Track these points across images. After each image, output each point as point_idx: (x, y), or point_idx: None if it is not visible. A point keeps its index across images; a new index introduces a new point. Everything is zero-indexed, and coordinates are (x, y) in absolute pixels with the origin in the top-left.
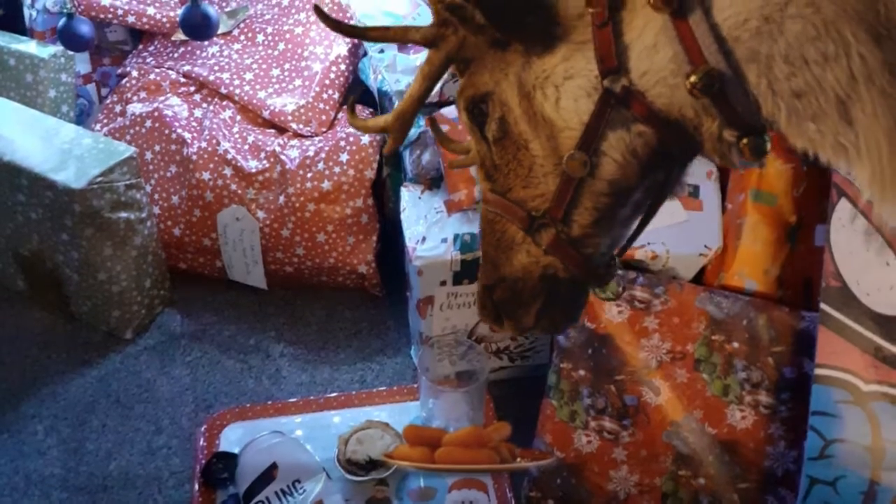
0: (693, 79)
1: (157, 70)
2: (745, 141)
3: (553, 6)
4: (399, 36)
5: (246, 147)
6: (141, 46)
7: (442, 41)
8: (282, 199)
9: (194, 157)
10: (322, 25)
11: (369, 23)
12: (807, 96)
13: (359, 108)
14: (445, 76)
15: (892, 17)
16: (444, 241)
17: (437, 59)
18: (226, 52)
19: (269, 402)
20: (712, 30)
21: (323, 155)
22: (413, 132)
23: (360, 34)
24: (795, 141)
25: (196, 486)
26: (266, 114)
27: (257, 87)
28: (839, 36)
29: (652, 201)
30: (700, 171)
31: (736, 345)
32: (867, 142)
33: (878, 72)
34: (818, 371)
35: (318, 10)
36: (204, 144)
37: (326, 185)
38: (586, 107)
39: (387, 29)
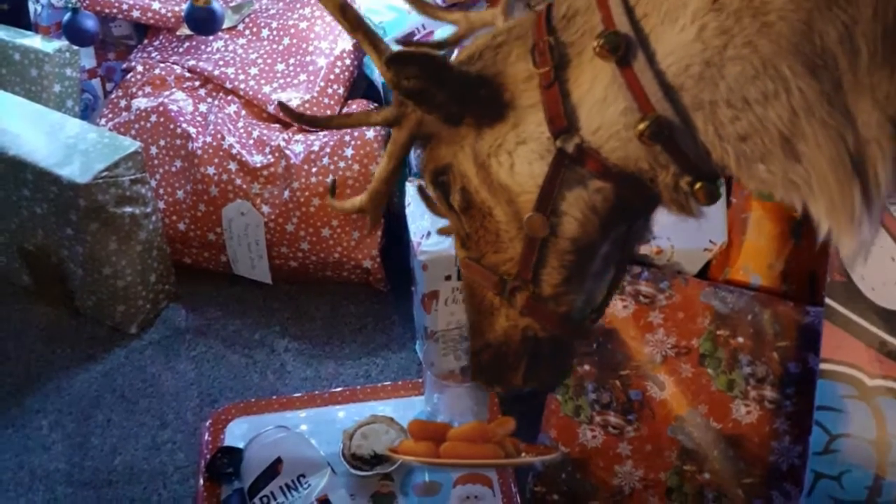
0: (642, 126)
1: (161, 65)
2: (698, 186)
3: (500, 74)
4: (361, 120)
5: (251, 142)
6: (146, 41)
7: (404, 119)
8: (287, 193)
9: (199, 152)
10: (327, 20)
11: (374, 17)
12: (752, 138)
13: (363, 102)
14: None
15: (827, 47)
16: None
17: (401, 137)
18: (231, 47)
19: (274, 397)
20: (657, 77)
21: (328, 150)
22: None
23: (322, 124)
24: (748, 183)
25: (201, 481)
26: (271, 108)
27: (262, 81)
28: (777, 73)
29: (622, 253)
30: None
31: (741, 339)
32: (816, 175)
33: (817, 103)
34: (823, 366)
35: (282, 106)
36: (209, 139)
37: (331, 179)
38: (540, 169)
39: (348, 116)
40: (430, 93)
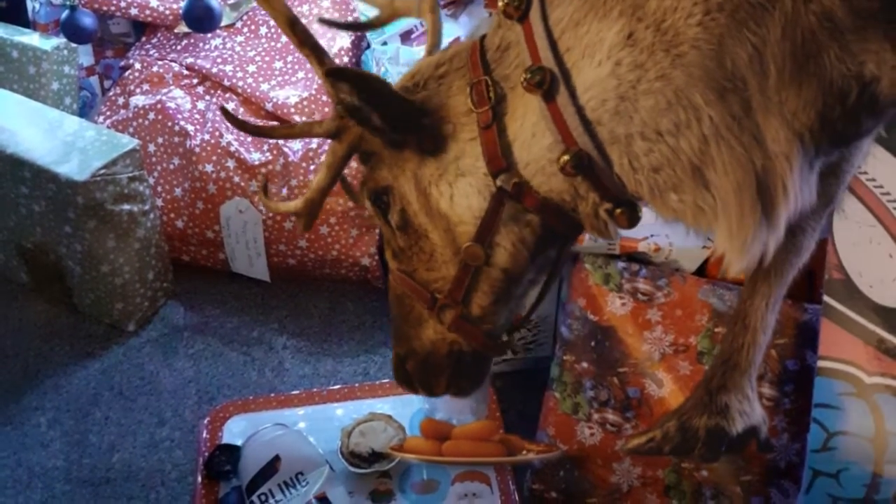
0: (564, 159)
1: (159, 62)
2: (619, 211)
3: (442, 106)
4: (304, 131)
5: (249, 139)
6: (144, 39)
7: (344, 132)
8: (285, 191)
9: (197, 150)
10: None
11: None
12: (664, 169)
13: None
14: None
15: (738, 70)
16: None
17: (340, 150)
18: (229, 45)
19: (272, 395)
20: (578, 112)
21: (326, 147)
22: None
23: (266, 133)
24: (661, 212)
25: (199, 479)
26: (269, 106)
27: (260, 79)
28: (689, 102)
29: (547, 276)
30: None
31: None
32: (722, 200)
33: (726, 128)
34: (821, 363)
35: (224, 111)
36: (207, 137)
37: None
38: (479, 203)
39: (291, 127)
40: (365, 113)
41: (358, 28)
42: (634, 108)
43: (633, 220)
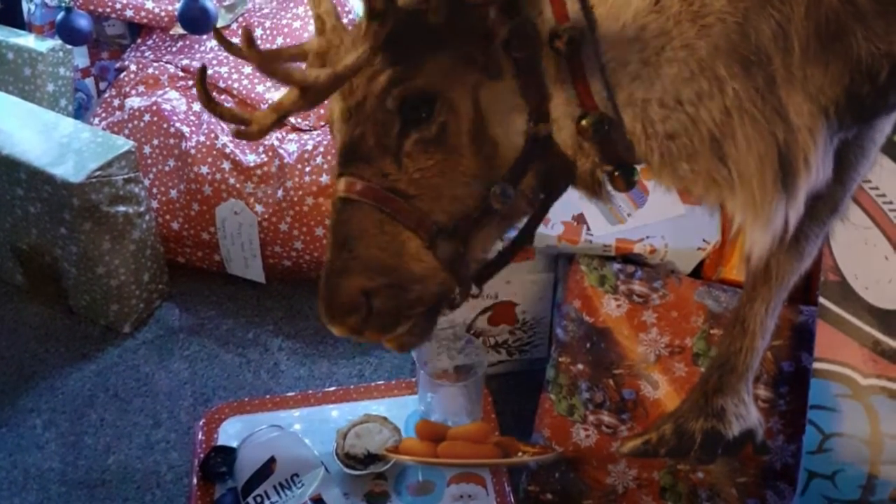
0: (585, 123)
1: (155, 64)
2: (617, 174)
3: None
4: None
5: (244, 141)
6: (139, 40)
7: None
8: (280, 192)
9: (193, 151)
10: None
11: None
12: (680, 138)
13: None
14: None
15: (761, 45)
16: None
17: (383, 33)
18: None
19: (268, 396)
20: (601, 72)
21: (321, 149)
22: None
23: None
24: (666, 180)
25: (195, 480)
26: (264, 108)
27: (256, 81)
28: (713, 74)
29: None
30: None
31: None
32: (741, 173)
33: (750, 101)
34: (817, 365)
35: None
36: (202, 138)
37: (325, 178)
38: (519, 143)
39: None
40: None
41: None
42: (657, 75)
43: (629, 184)
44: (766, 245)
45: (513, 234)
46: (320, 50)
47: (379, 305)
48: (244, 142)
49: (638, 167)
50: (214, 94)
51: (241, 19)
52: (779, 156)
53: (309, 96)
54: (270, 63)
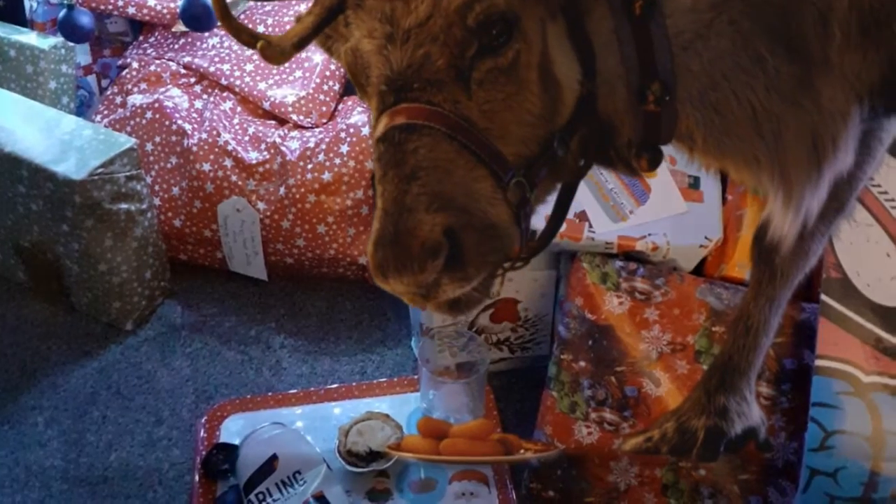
0: (654, 89)
1: (157, 61)
2: (643, 154)
3: None
4: None
5: (246, 138)
6: (141, 38)
7: None
8: (282, 190)
9: (195, 149)
10: None
11: None
12: (724, 111)
13: (357, 99)
14: None
15: (801, 30)
16: None
17: None
18: (226, 44)
19: (270, 394)
20: (666, 39)
21: (323, 146)
22: None
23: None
24: (707, 157)
25: (196, 478)
26: (266, 105)
27: (258, 78)
28: (756, 52)
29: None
30: None
31: None
32: (779, 152)
33: (789, 82)
34: (819, 362)
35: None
36: (204, 136)
37: (327, 176)
38: (576, 93)
39: None
40: None
41: None
42: (705, 47)
43: (653, 165)
44: (796, 230)
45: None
46: None
47: (469, 246)
48: (246, 139)
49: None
50: (216, 90)
51: (242, 16)
52: (812, 139)
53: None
54: None
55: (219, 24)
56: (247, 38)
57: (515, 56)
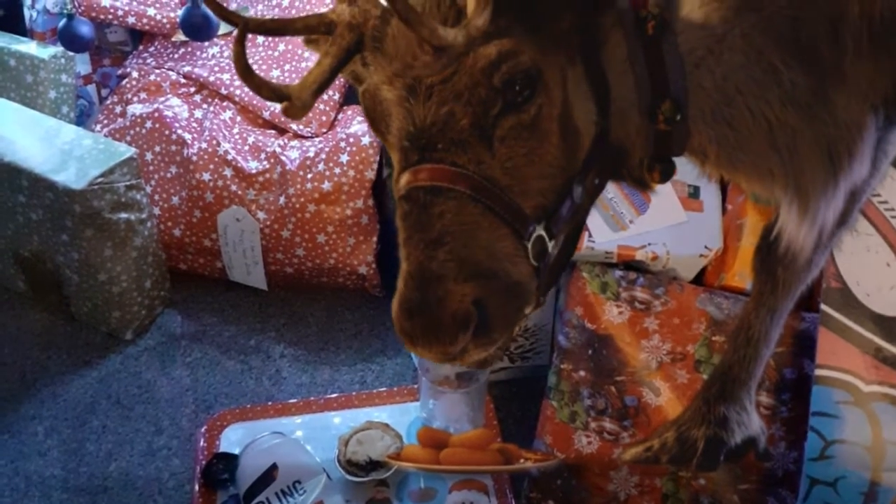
0: (664, 109)
1: (157, 71)
2: (656, 167)
3: None
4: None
5: (246, 148)
6: (141, 47)
7: None
8: (282, 199)
9: (194, 158)
10: None
11: None
12: (738, 126)
13: (359, 108)
14: None
15: (813, 41)
16: None
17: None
18: (226, 53)
19: (270, 403)
20: (678, 57)
21: (323, 156)
22: None
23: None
24: (720, 170)
25: (196, 487)
26: (266, 114)
27: None
28: (769, 65)
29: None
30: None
31: None
32: (794, 165)
33: (803, 95)
34: (819, 372)
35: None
36: (204, 145)
37: (327, 185)
38: (592, 134)
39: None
40: None
41: None
42: (717, 62)
43: (666, 176)
44: (812, 240)
45: None
46: (354, 20)
47: (494, 316)
48: (246, 148)
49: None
50: (216, 100)
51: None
52: (827, 150)
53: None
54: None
55: (219, 34)
56: (268, 93)
57: (538, 111)
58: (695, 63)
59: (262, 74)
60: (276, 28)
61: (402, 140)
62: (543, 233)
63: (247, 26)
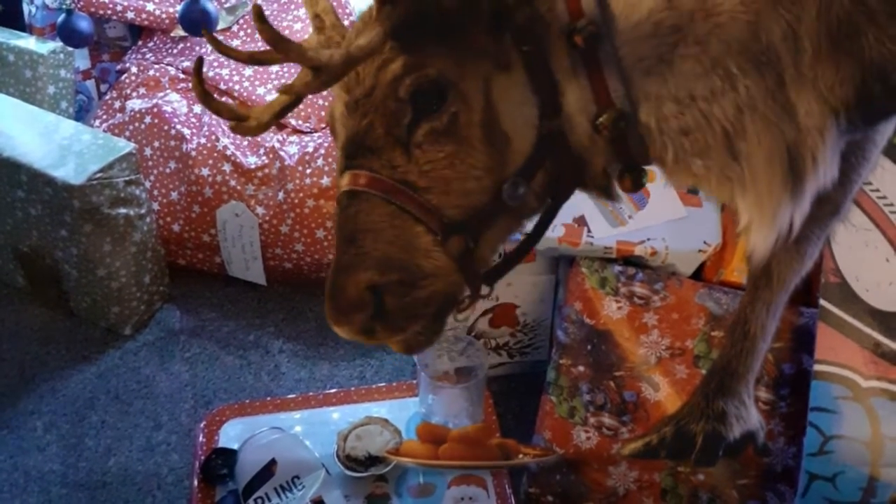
0: (603, 119)
1: (156, 66)
2: (626, 174)
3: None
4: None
5: (245, 143)
6: (140, 42)
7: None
8: (281, 195)
9: (193, 153)
10: None
11: None
12: (694, 133)
13: None
14: None
15: (771, 44)
16: None
17: (395, 16)
18: None
19: (269, 398)
20: (618, 68)
21: (322, 151)
22: None
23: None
24: (679, 178)
25: (195, 483)
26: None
27: (256, 83)
28: (725, 71)
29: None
30: None
31: None
32: (751, 171)
33: (761, 100)
34: (817, 367)
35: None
36: (203, 140)
37: (325, 181)
38: (531, 138)
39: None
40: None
41: None
42: (670, 71)
43: (637, 185)
44: (769, 245)
45: (517, 237)
46: (320, 47)
47: (391, 303)
48: (245, 144)
49: (646, 168)
50: (216, 95)
51: (241, 21)
52: (788, 155)
53: (322, 76)
54: (282, 42)
55: (218, 29)
56: (228, 114)
57: (453, 118)
58: (645, 71)
59: (260, 70)
60: (278, 38)
61: (340, 150)
62: (464, 232)
63: (201, 61)
